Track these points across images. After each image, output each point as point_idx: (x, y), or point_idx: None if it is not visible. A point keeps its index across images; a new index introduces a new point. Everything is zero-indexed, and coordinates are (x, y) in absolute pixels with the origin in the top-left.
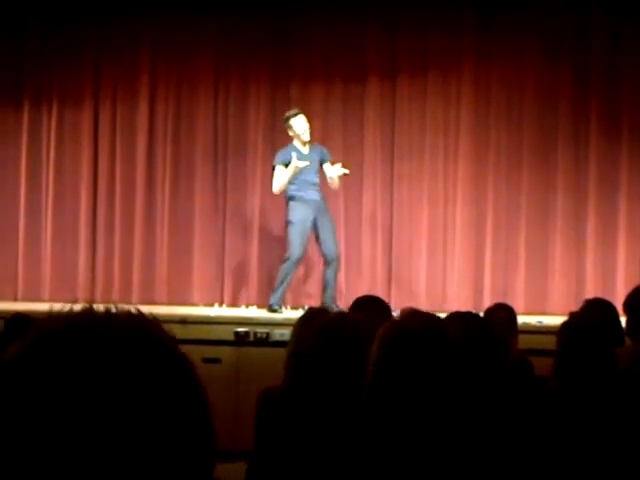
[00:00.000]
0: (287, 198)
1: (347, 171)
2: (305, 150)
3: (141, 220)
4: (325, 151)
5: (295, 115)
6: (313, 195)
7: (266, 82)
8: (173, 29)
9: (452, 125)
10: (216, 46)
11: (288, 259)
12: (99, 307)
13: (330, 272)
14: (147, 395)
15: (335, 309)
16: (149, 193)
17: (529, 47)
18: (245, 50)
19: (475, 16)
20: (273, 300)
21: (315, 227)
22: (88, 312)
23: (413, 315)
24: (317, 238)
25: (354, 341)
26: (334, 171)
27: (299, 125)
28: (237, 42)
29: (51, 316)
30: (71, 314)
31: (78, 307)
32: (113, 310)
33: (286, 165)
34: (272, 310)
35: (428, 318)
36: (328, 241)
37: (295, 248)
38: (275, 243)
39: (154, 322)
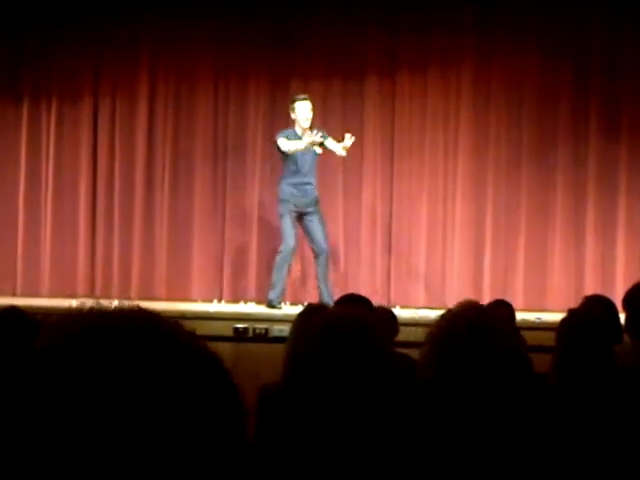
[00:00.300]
0: (278, 189)
1: (352, 138)
2: (302, 135)
3: (140, 216)
4: (322, 132)
5: (302, 99)
6: (300, 192)
7: (266, 80)
8: (173, 27)
9: (452, 122)
10: (216, 44)
11: (281, 251)
12: (115, 306)
13: (319, 267)
14: (179, 398)
15: (332, 304)
16: (148, 190)
17: (529, 45)
18: (245, 48)
19: (475, 14)
20: (272, 295)
21: (302, 220)
22: (105, 313)
23: (478, 309)
24: (304, 231)
25: (356, 337)
26: (345, 143)
27: (302, 110)
28: (237, 40)
29: (69, 316)
30: (86, 314)
31: (91, 305)
32: (151, 311)
33: (286, 139)
34: (271, 306)
35: (490, 318)
36: (316, 236)
37: (287, 239)
38: (274, 240)
39: (175, 323)
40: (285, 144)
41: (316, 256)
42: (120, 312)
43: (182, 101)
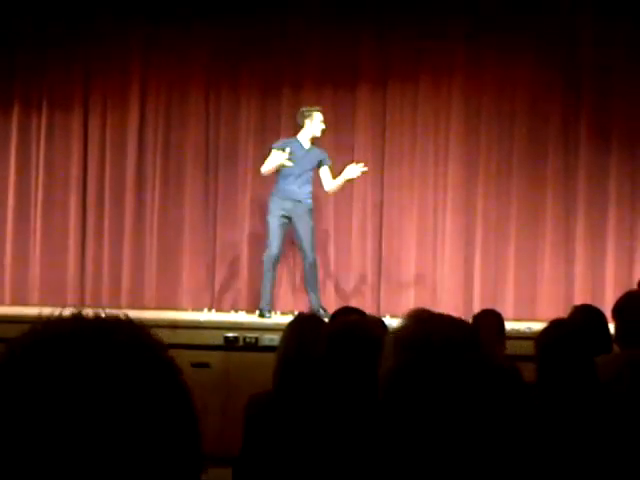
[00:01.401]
0: (269, 198)
1: (364, 168)
2: (306, 145)
3: (131, 226)
4: (326, 154)
5: (320, 110)
6: (292, 194)
7: (257, 89)
8: (164, 36)
9: (442, 133)
10: (207, 53)
11: (264, 259)
12: (88, 312)
13: (307, 277)
14: (133, 400)
15: (322, 313)
16: (139, 199)
17: (520, 56)
18: (236, 57)
19: (467, 24)
20: (262, 304)
21: (292, 229)
22: (77, 317)
23: (434, 317)
24: (293, 240)
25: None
26: (353, 171)
27: (320, 120)
28: (228, 49)
29: (40, 321)
30: (60, 319)
31: (67, 312)
32: (102, 315)
33: (281, 150)
34: (261, 315)
35: (455, 322)
36: (302, 245)
37: (269, 247)
38: (265, 249)
39: (142, 327)
40: (264, 168)
41: (304, 267)
42: (84, 319)
43: (173, 111)
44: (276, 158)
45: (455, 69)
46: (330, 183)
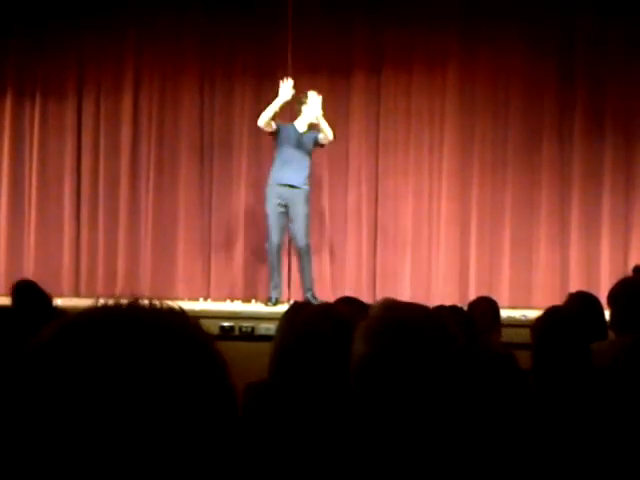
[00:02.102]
0: (266, 186)
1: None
2: (302, 129)
3: (125, 215)
4: (317, 133)
5: (317, 93)
6: (287, 179)
7: (251, 77)
8: (158, 23)
9: (437, 120)
10: (201, 40)
11: (266, 248)
12: (144, 301)
13: (301, 264)
14: (180, 392)
15: (313, 301)
16: (133, 188)
17: (515, 43)
18: (230, 44)
19: (461, 11)
20: (270, 293)
21: (287, 216)
22: (132, 305)
23: (402, 307)
24: (288, 229)
25: (337, 334)
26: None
27: (315, 104)
28: (222, 36)
29: (93, 307)
30: (114, 305)
31: (124, 300)
32: (157, 305)
33: (276, 128)
34: (269, 303)
35: (420, 310)
36: (297, 233)
37: (270, 236)
38: (260, 238)
39: (194, 321)
40: (262, 118)
41: (298, 254)
42: (111, 307)
43: (167, 98)
44: (279, 99)
45: (449, 58)
46: (324, 132)
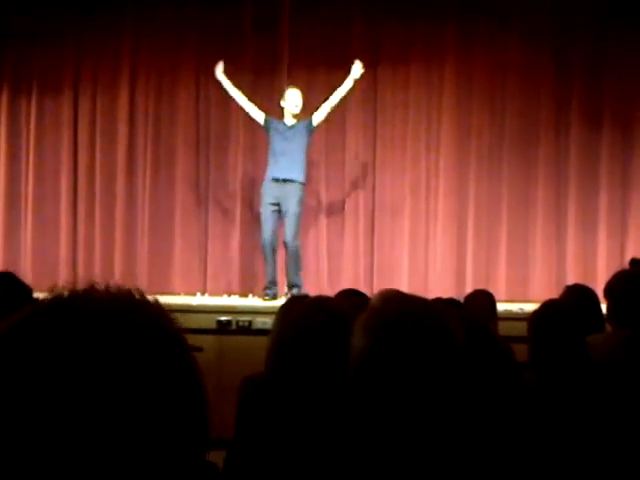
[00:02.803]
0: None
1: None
2: (290, 122)
3: (122, 209)
4: (306, 120)
5: (292, 87)
6: (280, 172)
7: (248, 71)
8: (155, 17)
9: (434, 115)
10: (197, 36)
11: (260, 243)
12: (100, 286)
13: (287, 262)
14: (140, 376)
15: (286, 292)
16: (130, 183)
17: (512, 38)
18: (227, 39)
19: (458, 6)
20: (266, 288)
21: (280, 211)
22: (87, 291)
23: (401, 298)
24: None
25: (332, 327)
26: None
27: (291, 97)
28: (219, 31)
29: (50, 295)
30: (70, 293)
31: (80, 286)
32: (113, 290)
33: (264, 122)
34: (263, 298)
35: (421, 303)
36: (286, 229)
37: (262, 234)
38: (257, 232)
39: (154, 304)
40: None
41: (285, 248)
42: (95, 293)
43: (163, 94)
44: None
45: (446, 52)
46: (337, 95)
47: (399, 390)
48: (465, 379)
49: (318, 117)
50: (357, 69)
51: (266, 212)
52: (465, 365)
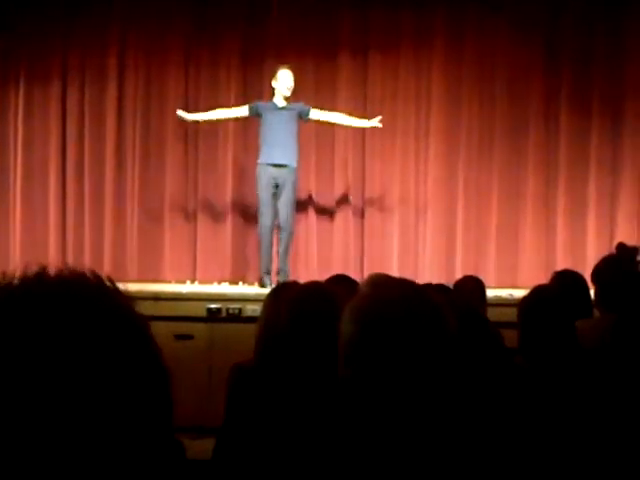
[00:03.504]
0: (256, 168)
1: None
2: (282, 104)
3: (111, 198)
4: (303, 105)
5: (284, 68)
6: (276, 158)
7: (237, 59)
8: (143, 6)
9: (424, 103)
10: (186, 23)
11: (258, 230)
12: (51, 270)
13: (280, 243)
14: (95, 356)
15: (268, 281)
16: (119, 172)
17: (501, 26)
18: (216, 27)
19: None
20: (261, 274)
21: (275, 194)
22: (36, 276)
23: (391, 283)
24: (275, 206)
25: (322, 312)
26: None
27: (283, 78)
28: (208, 19)
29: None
30: (19, 279)
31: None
32: (66, 273)
33: (254, 113)
34: (261, 284)
35: (413, 288)
36: (281, 211)
37: (260, 218)
38: (247, 220)
39: (110, 286)
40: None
41: (279, 231)
42: (44, 277)
43: (152, 82)
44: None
45: (436, 40)
46: (331, 117)
47: (390, 378)
48: (457, 366)
49: (316, 116)
50: (375, 123)
51: (265, 195)
52: (457, 352)
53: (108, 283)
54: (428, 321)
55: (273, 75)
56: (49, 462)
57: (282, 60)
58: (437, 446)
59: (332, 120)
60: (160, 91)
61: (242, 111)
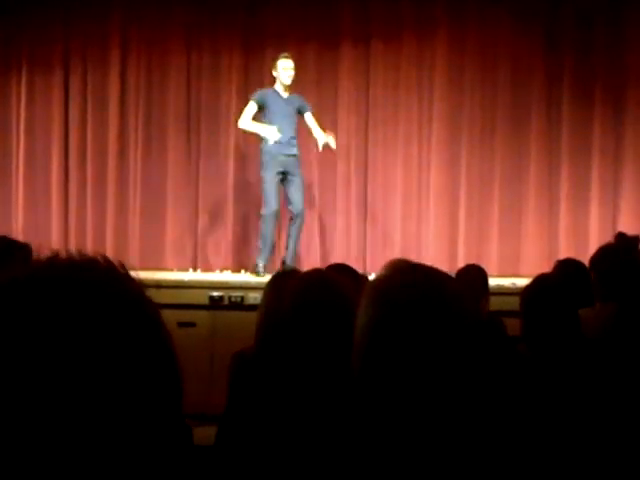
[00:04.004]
0: (261, 152)
1: (333, 145)
2: (284, 95)
3: (113, 186)
4: (304, 101)
5: (285, 57)
6: (285, 149)
7: (239, 47)
8: None
9: (426, 90)
10: (188, 10)
11: (263, 215)
12: (63, 254)
13: (293, 229)
14: (106, 339)
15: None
16: (121, 159)
17: (503, 15)
18: (217, 15)
19: None
20: (258, 261)
21: (284, 182)
22: (50, 261)
23: (416, 268)
24: (284, 193)
25: (329, 301)
26: (322, 140)
27: (284, 67)
28: (209, 7)
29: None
30: (34, 263)
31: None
32: (76, 258)
33: (260, 105)
34: (255, 273)
35: (438, 274)
36: (295, 197)
37: (269, 202)
38: (249, 207)
39: (120, 269)
40: (242, 124)
41: (293, 218)
42: (57, 261)
43: (154, 69)
44: (266, 132)
45: (438, 29)
46: (316, 128)
47: (409, 367)
48: (477, 360)
49: (308, 120)
50: (322, 141)
51: (271, 179)
52: (477, 345)
53: (119, 268)
54: (455, 312)
55: (273, 64)
56: (56, 444)
57: (283, 49)
58: (447, 437)
59: (311, 128)
60: (162, 78)
61: (252, 108)
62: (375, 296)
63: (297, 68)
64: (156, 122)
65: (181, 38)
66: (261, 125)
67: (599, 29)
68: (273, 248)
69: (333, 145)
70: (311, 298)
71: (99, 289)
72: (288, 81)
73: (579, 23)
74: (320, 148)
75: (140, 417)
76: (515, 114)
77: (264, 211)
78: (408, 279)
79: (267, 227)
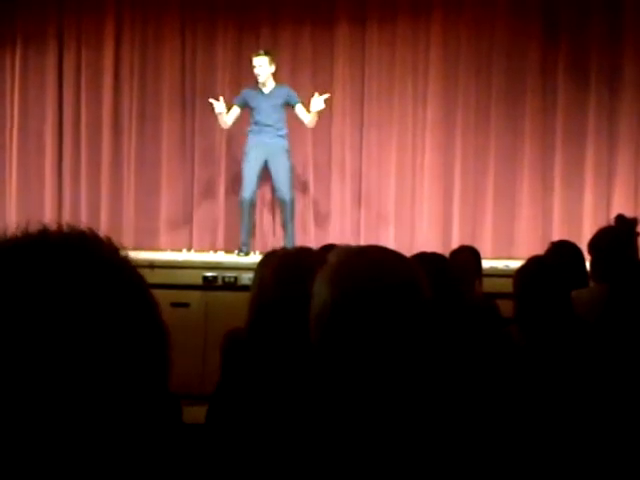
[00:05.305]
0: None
1: (322, 101)
2: (266, 90)
3: (107, 165)
4: (292, 93)
5: (255, 55)
6: (266, 137)
7: (234, 25)
8: None
9: (421, 71)
10: None
11: (239, 199)
12: (51, 227)
13: (284, 216)
14: (94, 309)
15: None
16: (115, 138)
17: None
18: None
19: None
20: (240, 243)
21: (268, 169)
22: (38, 231)
23: (368, 250)
24: (271, 180)
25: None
26: (315, 105)
27: (253, 64)
28: None
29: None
30: (20, 235)
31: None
32: (64, 229)
33: (241, 106)
34: (238, 253)
35: (384, 253)
36: (279, 184)
37: (244, 189)
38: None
39: (107, 242)
40: (224, 124)
41: (281, 206)
42: (45, 233)
43: (149, 48)
44: (221, 118)
45: (433, 8)
46: (307, 119)
47: (366, 344)
48: (433, 334)
49: (300, 112)
50: (318, 104)
51: (249, 169)
52: (433, 320)
53: (105, 240)
54: (406, 287)
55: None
56: (41, 411)
57: (279, 28)
58: (415, 411)
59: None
60: (156, 55)
61: (234, 111)
62: (329, 276)
63: (292, 47)
64: (150, 101)
65: (176, 15)
66: (224, 115)
67: (596, 11)
68: (249, 236)
69: (321, 104)
70: (290, 275)
71: (86, 257)
72: (259, 78)
73: (576, 5)
74: (310, 123)
75: (127, 385)
76: (510, 96)
77: (239, 196)
78: (359, 261)
79: (241, 212)
